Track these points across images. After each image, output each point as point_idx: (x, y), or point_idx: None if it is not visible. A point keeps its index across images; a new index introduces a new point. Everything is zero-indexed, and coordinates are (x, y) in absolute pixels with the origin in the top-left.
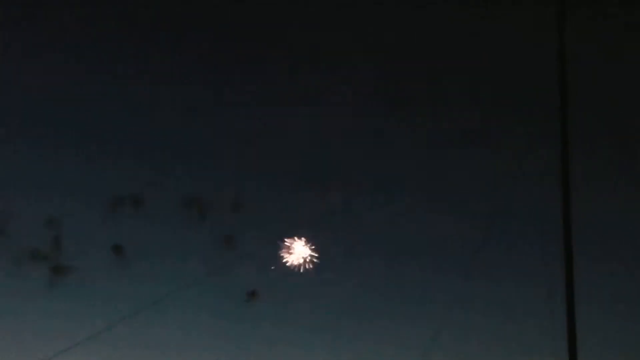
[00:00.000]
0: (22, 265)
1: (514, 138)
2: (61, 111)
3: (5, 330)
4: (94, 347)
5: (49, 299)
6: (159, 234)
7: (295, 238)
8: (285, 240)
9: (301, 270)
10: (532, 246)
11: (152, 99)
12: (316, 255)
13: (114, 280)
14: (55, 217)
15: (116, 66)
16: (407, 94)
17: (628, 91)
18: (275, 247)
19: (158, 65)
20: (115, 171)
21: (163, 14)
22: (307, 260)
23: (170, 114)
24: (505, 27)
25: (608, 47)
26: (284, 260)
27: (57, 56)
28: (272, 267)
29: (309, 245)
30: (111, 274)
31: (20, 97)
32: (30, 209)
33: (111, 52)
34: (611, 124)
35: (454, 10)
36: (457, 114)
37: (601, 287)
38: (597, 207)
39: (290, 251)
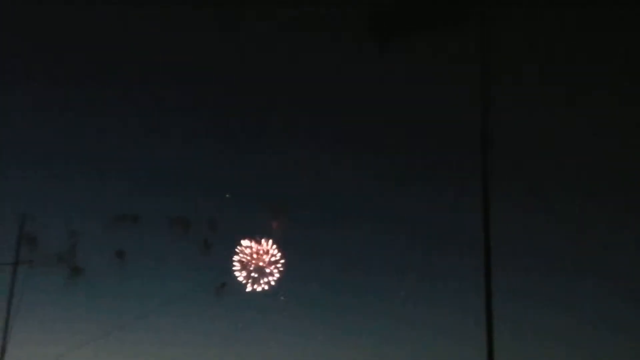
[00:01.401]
0: (49, 267)
1: (443, 176)
2: (81, 146)
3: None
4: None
5: (68, 294)
6: (153, 242)
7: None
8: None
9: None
10: (456, 260)
11: (151, 136)
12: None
13: (118, 277)
14: (73, 229)
15: (119, 101)
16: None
17: (542, 136)
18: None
19: (155, 101)
20: (118, 195)
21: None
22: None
23: (166, 148)
24: (433, 70)
25: (529, 94)
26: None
27: (64, 86)
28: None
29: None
30: (116, 273)
31: (39, 133)
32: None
33: (112, 84)
34: (526, 165)
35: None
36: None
37: (515, 293)
38: (511, 226)
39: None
